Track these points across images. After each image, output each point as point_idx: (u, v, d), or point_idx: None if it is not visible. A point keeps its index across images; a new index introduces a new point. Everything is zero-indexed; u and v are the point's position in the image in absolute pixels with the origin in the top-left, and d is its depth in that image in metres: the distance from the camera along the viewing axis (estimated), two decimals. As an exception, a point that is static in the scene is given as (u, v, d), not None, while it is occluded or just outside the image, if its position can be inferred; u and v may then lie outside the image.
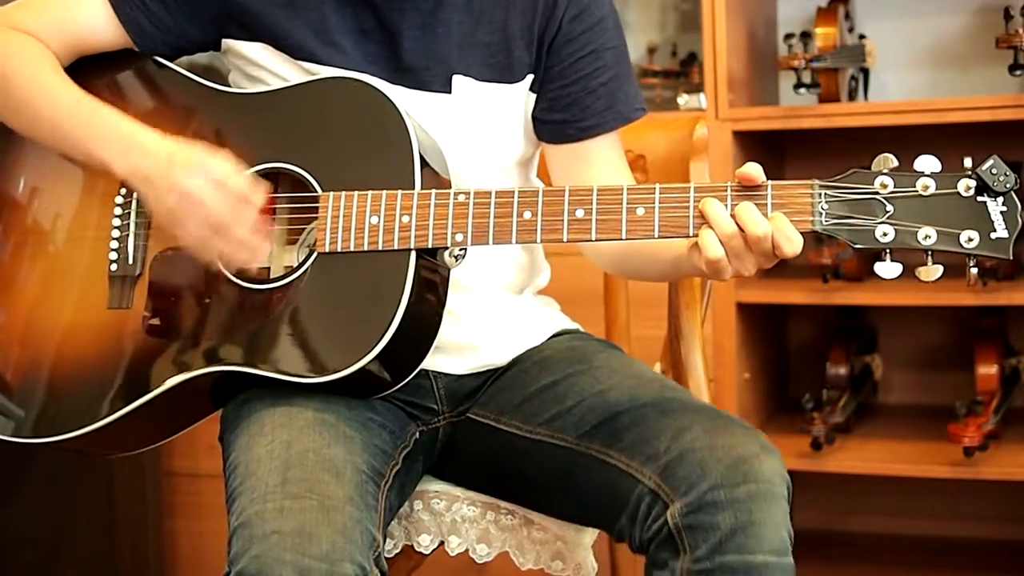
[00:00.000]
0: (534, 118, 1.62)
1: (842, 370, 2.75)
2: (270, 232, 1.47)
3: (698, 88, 2.78)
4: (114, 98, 1.61)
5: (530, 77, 1.60)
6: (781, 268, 2.76)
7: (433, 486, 1.65)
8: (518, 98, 1.60)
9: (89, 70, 1.60)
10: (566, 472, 1.51)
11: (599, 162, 1.63)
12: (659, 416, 1.46)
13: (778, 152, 2.86)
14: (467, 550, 1.64)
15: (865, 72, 2.70)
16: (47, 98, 1.53)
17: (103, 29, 1.58)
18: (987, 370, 2.62)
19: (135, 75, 1.62)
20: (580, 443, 1.50)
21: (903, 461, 2.53)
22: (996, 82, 2.62)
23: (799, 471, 2.61)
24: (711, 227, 1.34)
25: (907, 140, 2.56)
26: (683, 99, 2.77)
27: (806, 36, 2.56)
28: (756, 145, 2.61)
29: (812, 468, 2.55)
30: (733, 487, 1.36)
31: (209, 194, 1.43)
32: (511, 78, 1.59)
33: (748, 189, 1.35)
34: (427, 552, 1.65)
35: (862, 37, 2.67)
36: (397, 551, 1.64)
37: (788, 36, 2.57)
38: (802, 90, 2.54)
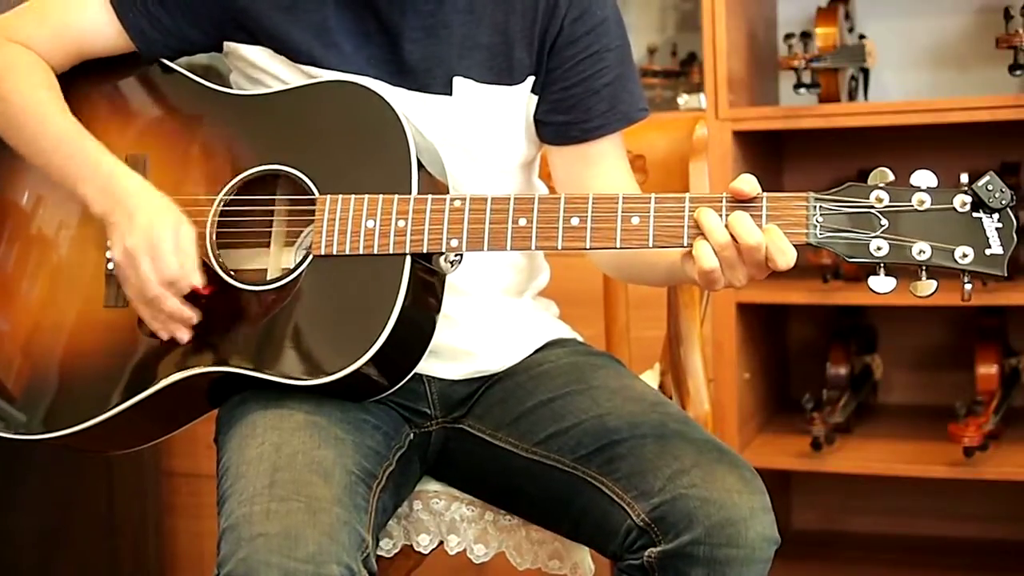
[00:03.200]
0: (537, 120, 1.62)
1: (842, 370, 2.75)
2: (189, 319, 1.48)
3: (698, 88, 2.78)
4: (117, 101, 1.62)
5: (531, 79, 1.59)
6: (781, 268, 2.77)
7: (432, 486, 1.65)
8: (519, 100, 1.60)
9: (91, 73, 1.61)
10: (560, 493, 1.51)
11: (603, 163, 1.63)
12: (658, 450, 1.45)
13: (778, 152, 2.86)
14: (466, 550, 1.64)
15: (865, 72, 2.70)
16: (38, 125, 1.55)
17: (105, 33, 1.58)
18: (987, 370, 2.62)
19: (137, 77, 1.62)
20: (576, 467, 1.50)
21: (903, 461, 2.53)
22: (996, 82, 2.62)
23: (799, 471, 2.62)
24: (705, 237, 1.34)
25: (907, 140, 2.57)
26: (683, 99, 2.77)
27: (806, 36, 2.56)
28: (756, 145, 2.61)
29: (812, 468, 2.56)
30: (715, 547, 1.37)
31: (144, 262, 1.46)
32: (512, 80, 1.58)
33: (743, 202, 1.34)
34: (426, 552, 1.65)
35: (862, 37, 2.67)
36: (396, 551, 1.64)
37: (788, 36, 2.57)
38: (802, 90, 2.54)
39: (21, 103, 1.55)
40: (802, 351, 2.96)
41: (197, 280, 1.47)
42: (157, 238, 1.46)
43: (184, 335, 1.49)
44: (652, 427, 1.48)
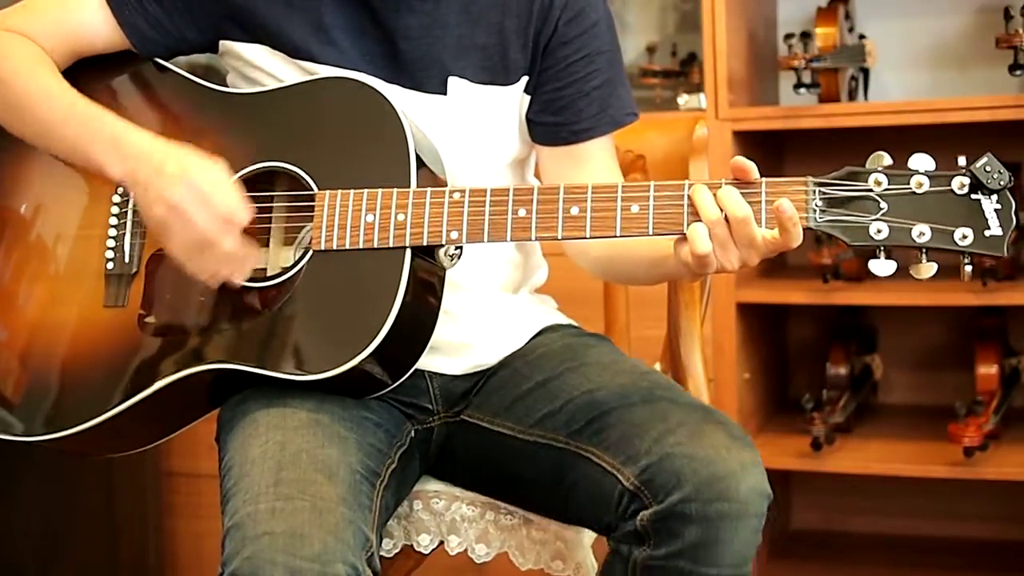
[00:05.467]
0: (528, 120, 1.62)
1: (842, 370, 2.75)
2: (255, 249, 1.47)
3: (698, 88, 2.78)
4: (113, 99, 1.61)
5: (525, 79, 1.60)
6: (781, 268, 2.78)
7: (432, 486, 1.65)
8: (513, 100, 1.60)
9: (88, 72, 1.61)
10: (557, 471, 1.51)
11: (591, 164, 1.63)
12: (645, 414, 1.45)
13: (778, 152, 2.86)
14: (466, 550, 1.64)
15: (865, 72, 2.70)
16: (44, 102, 1.54)
17: (101, 31, 1.59)
18: (987, 370, 2.62)
19: (134, 76, 1.62)
20: (570, 442, 1.50)
21: (903, 461, 2.53)
22: (996, 82, 2.62)
23: (799, 471, 2.62)
24: (698, 214, 1.34)
25: (907, 140, 2.55)
26: (683, 99, 2.77)
27: (806, 36, 2.56)
28: (756, 145, 2.61)
29: (812, 468, 2.56)
30: (705, 503, 1.36)
31: (194, 209, 1.42)
32: (506, 80, 1.59)
33: (742, 184, 1.35)
34: (427, 552, 1.65)
35: (862, 37, 2.67)
36: (397, 551, 1.64)
37: (788, 36, 2.57)
38: (802, 90, 2.55)
39: (23, 85, 1.54)
40: (802, 351, 2.96)
41: (251, 211, 1.45)
42: (199, 181, 1.43)
43: (241, 277, 1.46)
44: (640, 395, 1.49)
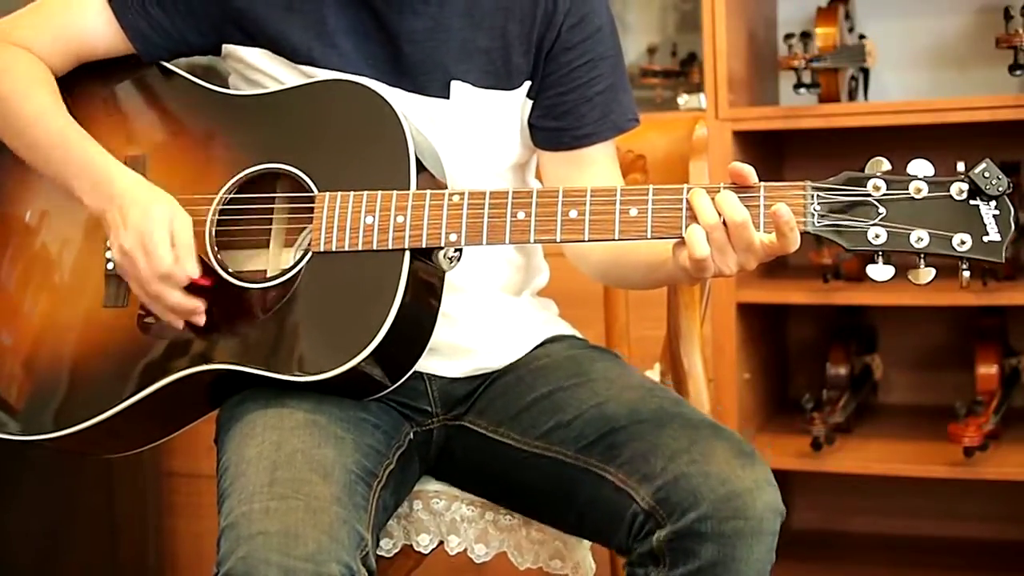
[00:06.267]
0: (530, 124, 1.63)
1: (842, 370, 2.75)
2: (192, 309, 1.48)
3: (698, 88, 2.78)
4: (115, 102, 1.62)
5: (527, 84, 1.60)
6: (781, 268, 2.78)
7: (432, 486, 1.65)
8: (515, 105, 1.61)
9: (90, 74, 1.61)
10: (564, 486, 1.51)
11: (592, 169, 1.64)
12: (657, 433, 1.45)
13: (778, 152, 2.86)
14: (466, 550, 1.64)
15: (865, 72, 2.70)
16: (35, 125, 1.55)
17: (104, 35, 1.59)
18: (987, 370, 2.62)
19: (137, 79, 1.63)
20: (579, 458, 1.50)
21: (903, 461, 2.53)
22: (996, 82, 2.62)
23: (799, 471, 2.62)
24: (696, 217, 1.34)
25: (907, 140, 2.57)
26: (683, 99, 2.77)
27: (806, 36, 2.56)
28: (756, 145, 2.61)
29: (812, 468, 2.56)
30: (721, 520, 1.36)
31: (140, 260, 1.46)
32: (509, 85, 1.59)
33: (740, 188, 1.35)
34: (426, 552, 1.65)
35: (862, 37, 2.67)
36: (396, 551, 1.64)
37: (788, 36, 2.57)
38: (802, 90, 2.54)
39: (19, 104, 1.55)
40: (802, 351, 2.96)
41: (193, 271, 1.47)
42: (149, 233, 1.46)
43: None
44: (650, 412, 1.49)
